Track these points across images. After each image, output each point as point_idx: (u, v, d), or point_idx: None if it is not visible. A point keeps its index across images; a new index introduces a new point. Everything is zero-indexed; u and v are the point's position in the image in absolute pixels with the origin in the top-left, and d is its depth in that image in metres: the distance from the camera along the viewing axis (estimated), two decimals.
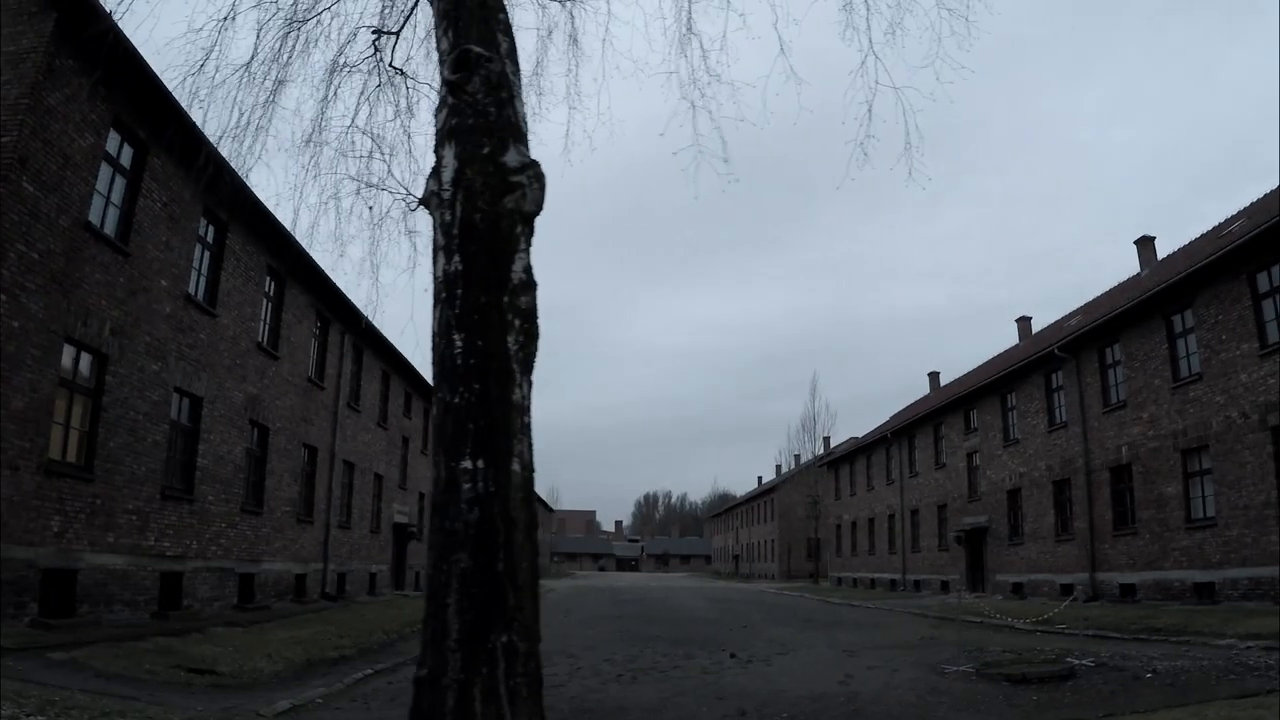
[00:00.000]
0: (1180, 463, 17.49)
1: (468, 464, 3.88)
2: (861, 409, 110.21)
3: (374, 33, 6.59)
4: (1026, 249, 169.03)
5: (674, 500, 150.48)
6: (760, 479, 76.38)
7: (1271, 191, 18.38)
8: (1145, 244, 24.34)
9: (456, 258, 4.20)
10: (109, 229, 11.60)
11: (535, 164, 4.47)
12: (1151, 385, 18.43)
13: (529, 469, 4.10)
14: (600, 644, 12.77)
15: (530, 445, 4.18)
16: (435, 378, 4.09)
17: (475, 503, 3.84)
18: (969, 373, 32.71)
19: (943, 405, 29.44)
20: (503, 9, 4.72)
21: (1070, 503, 21.43)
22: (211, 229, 14.86)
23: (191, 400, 14.20)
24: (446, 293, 4.16)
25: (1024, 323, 31.68)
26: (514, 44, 4.70)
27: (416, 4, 6.41)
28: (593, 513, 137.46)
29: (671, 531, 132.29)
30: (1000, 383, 25.25)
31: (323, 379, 21.14)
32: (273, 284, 17.90)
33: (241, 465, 16.10)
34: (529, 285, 4.33)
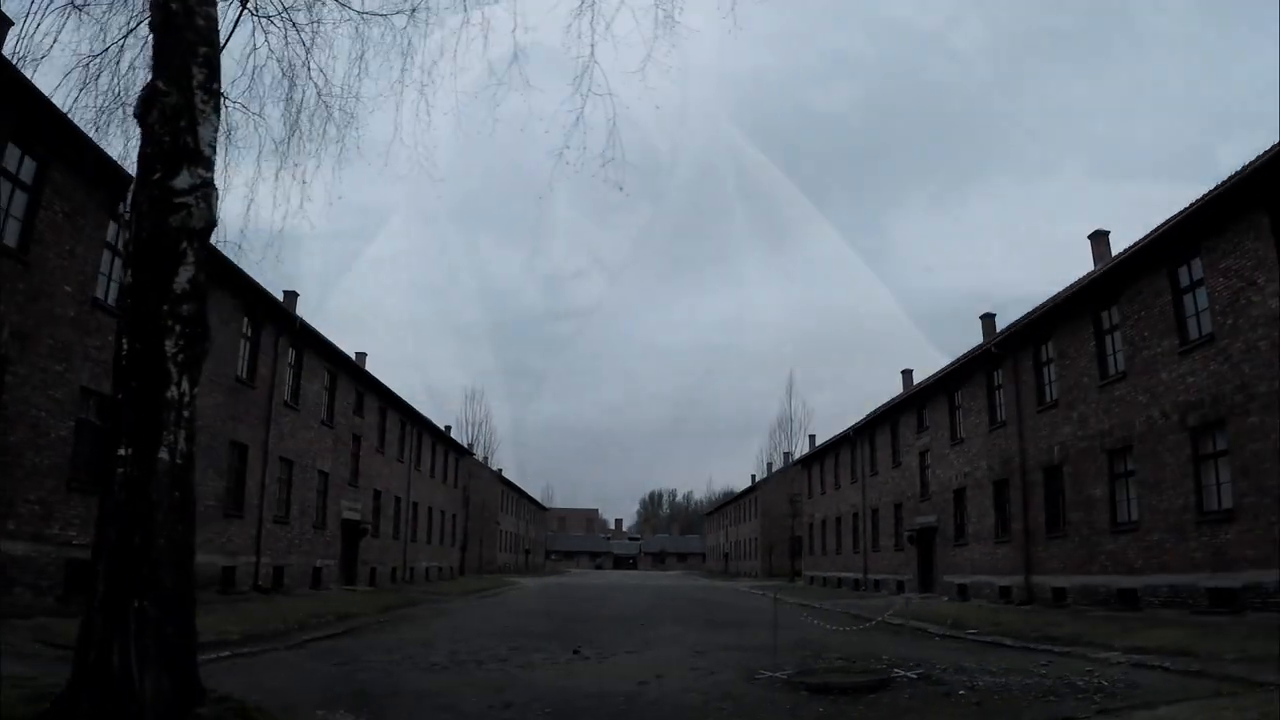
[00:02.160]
0: (1107, 464, 16.93)
1: (122, 451, 4.55)
2: (864, 407, 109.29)
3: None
4: (1043, 243, 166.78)
5: (679, 498, 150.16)
6: (754, 477, 75.86)
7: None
8: (1099, 238, 23.62)
9: (129, 271, 4.88)
10: (9, 239, 12.33)
11: (206, 184, 5.01)
12: (1080, 384, 17.86)
13: (183, 458, 4.68)
14: (483, 639, 13.08)
15: (189, 437, 4.75)
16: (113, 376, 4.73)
17: (124, 485, 4.50)
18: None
19: (898, 403, 28.85)
20: (208, 44, 5.20)
21: (1008, 504, 20.89)
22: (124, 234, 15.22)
23: (100, 399, 14.39)
24: (120, 301, 4.93)
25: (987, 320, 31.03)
26: (214, 73, 5.19)
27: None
28: (595, 511, 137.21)
29: (672, 529, 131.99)
30: (947, 381, 24.69)
31: (254, 379, 21.63)
32: None
33: None
34: (192, 295, 4.90)
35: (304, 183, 8.06)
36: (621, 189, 6.70)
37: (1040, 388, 19.59)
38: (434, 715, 6.90)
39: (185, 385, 4.79)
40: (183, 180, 4.86)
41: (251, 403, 21.60)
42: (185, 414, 4.75)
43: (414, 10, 7.66)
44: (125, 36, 7.19)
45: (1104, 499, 16.90)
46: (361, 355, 43.21)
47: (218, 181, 7.19)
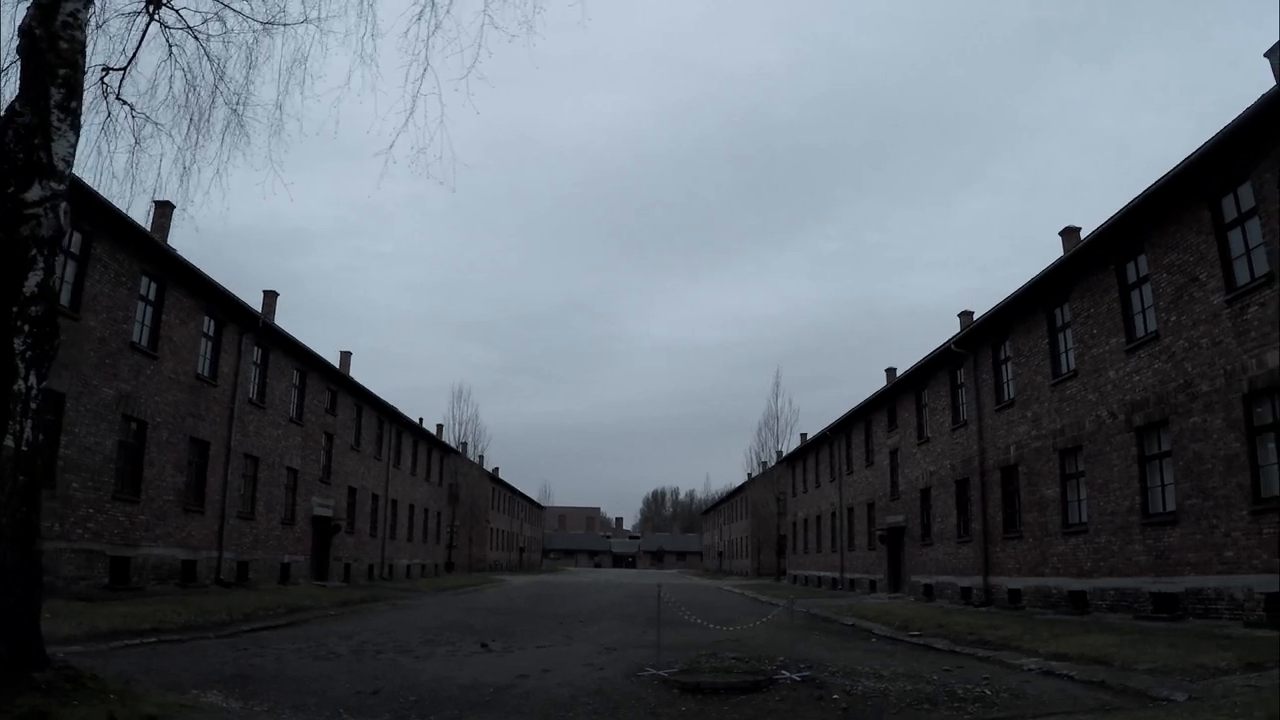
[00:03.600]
0: (1059, 464, 16.62)
1: None
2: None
3: (103, 69, 7.42)
4: (1049, 239, 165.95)
5: (682, 496, 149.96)
6: (750, 475, 75.54)
7: None
8: (1070, 234, 23.25)
9: None
10: None
11: (56, 196, 5.35)
12: (1035, 383, 17.54)
13: (29, 445, 5.07)
14: (410, 632, 13.62)
15: (36, 426, 5.16)
16: None
17: None
18: None
19: (871, 401, 28.52)
20: (69, 66, 5.55)
21: (970, 504, 20.57)
22: (78, 238, 15.59)
23: (52, 396, 14.77)
24: None
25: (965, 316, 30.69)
26: (73, 93, 5.55)
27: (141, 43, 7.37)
28: (597, 509, 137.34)
29: (673, 528, 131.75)
30: (915, 379, 24.36)
31: (215, 377, 21.85)
32: (153, 288, 18.77)
33: (112, 456, 16.82)
34: (41, 297, 5.23)
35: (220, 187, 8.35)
36: (443, 183, 6.86)
37: (999, 386, 19.28)
38: (299, 698, 7.14)
39: (33, 380, 5.15)
40: (34, 193, 5.24)
41: (213, 400, 21.84)
42: (33, 405, 5.12)
43: (321, 19, 8.31)
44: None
45: (1056, 500, 16.61)
46: (346, 354, 43.31)
47: (176, 194, 7.91)
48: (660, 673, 8.49)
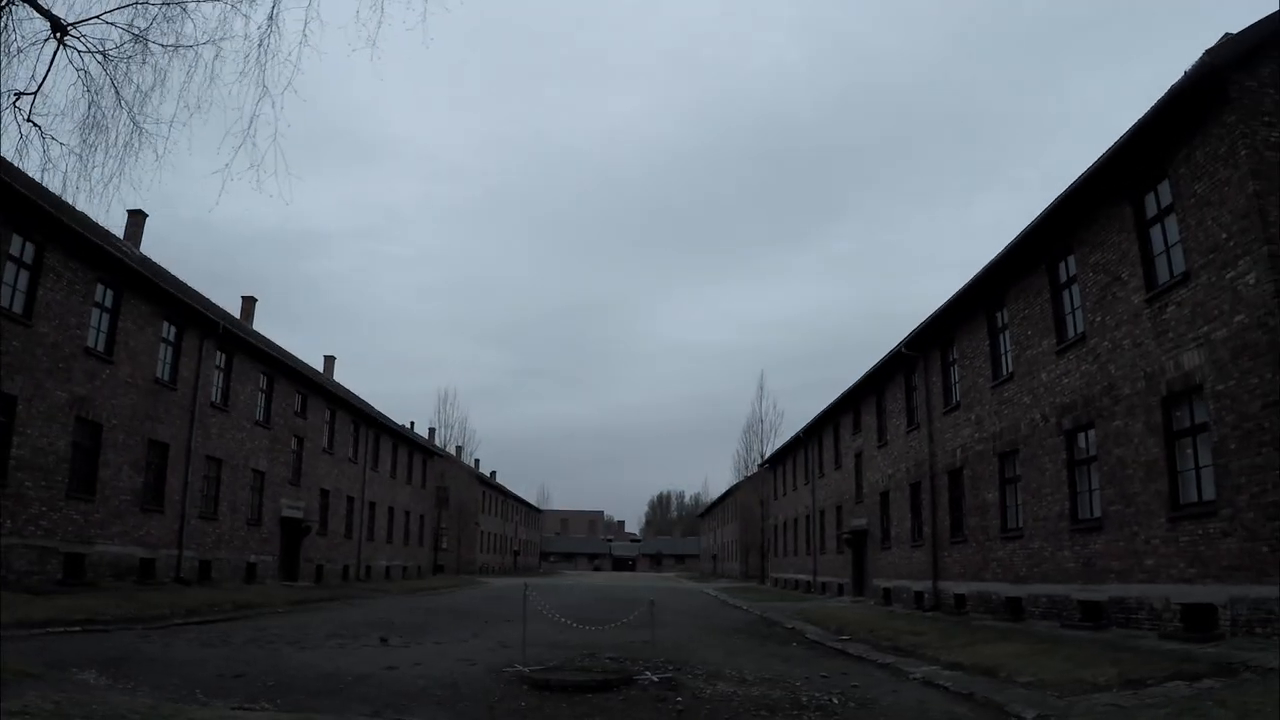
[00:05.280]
0: (999, 468, 16.41)
1: None
2: None
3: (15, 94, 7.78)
4: None
5: (688, 500, 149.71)
6: (738, 479, 75.29)
7: None
8: None
9: None
10: None
11: None
12: (977, 385, 17.34)
13: None
14: (332, 627, 14.35)
15: None
16: None
17: None
18: None
19: (838, 404, 28.27)
20: None
21: (921, 507, 20.36)
22: (30, 247, 16.29)
23: (3, 399, 15.63)
24: None
25: None
26: None
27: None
28: (600, 513, 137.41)
29: (675, 532, 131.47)
30: (876, 381, 24.14)
31: (176, 382, 22.32)
32: (109, 295, 19.31)
33: (66, 456, 17.44)
34: None
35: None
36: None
37: (946, 389, 19.08)
38: (165, 679, 7.65)
39: None
40: None
41: (173, 403, 22.23)
42: None
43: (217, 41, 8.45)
44: None
45: (996, 504, 16.40)
46: (330, 359, 43.43)
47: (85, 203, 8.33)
48: (523, 669, 8.64)
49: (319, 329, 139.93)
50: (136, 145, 8.50)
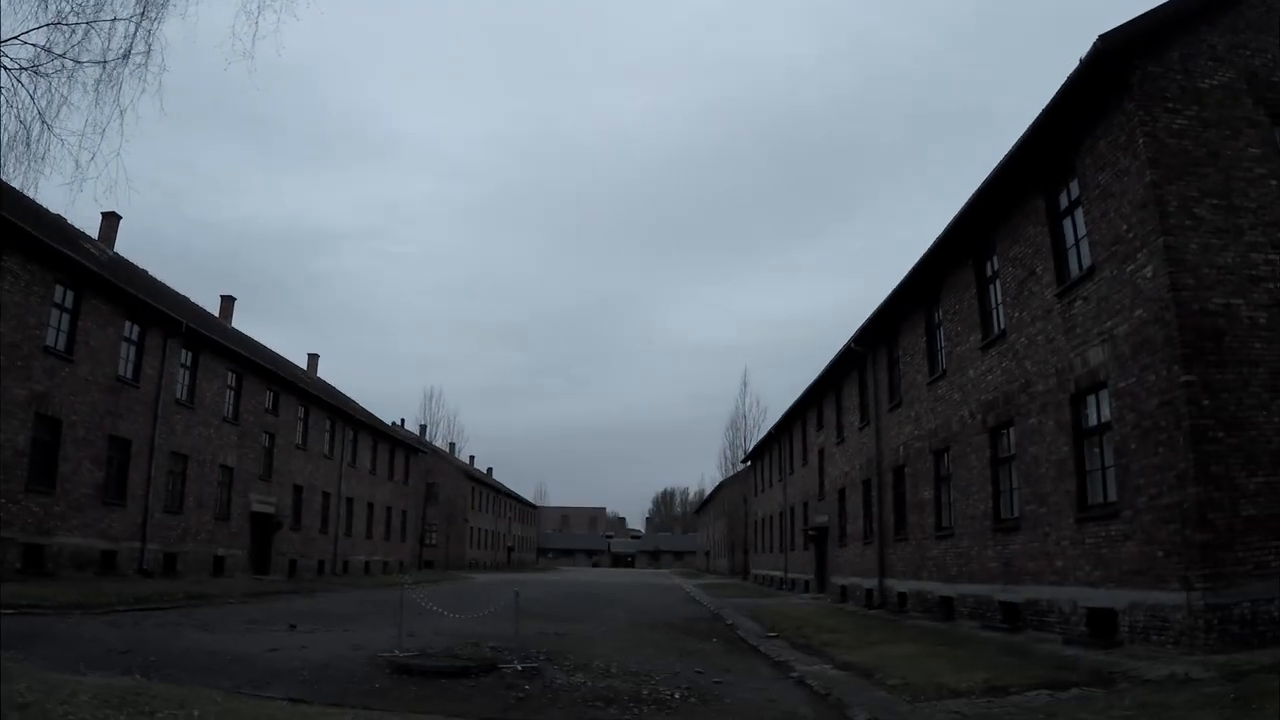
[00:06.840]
0: (934, 465, 16.29)
1: None
2: None
3: None
4: None
5: (690, 496, 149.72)
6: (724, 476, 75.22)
7: None
8: None
9: None
10: None
11: None
12: (916, 382, 17.22)
13: None
14: (269, 616, 14.70)
15: None
16: None
17: None
18: None
19: (803, 400, 28.15)
20: None
21: (872, 505, 20.25)
22: None
23: None
24: None
25: None
26: None
27: None
28: (601, 509, 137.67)
29: (675, 528, 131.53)
30: (832, 377, 24.02)
31: (139, 379, 22.70)
32: (68, 295, 19.73)
33: (25, 451, 18.03)
34: None
35: None
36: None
37: (892, 386, 18.95)
38: (59, 653, 8.18)
39: None
40: None
41: (135, 400, 22.60)
42: None
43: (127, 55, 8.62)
44: None
45: (931, 502, 16.29)
46: (314, 357, 43.60)
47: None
48: (396, 655, 8.93)
49: (323, 328, 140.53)
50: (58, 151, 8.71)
